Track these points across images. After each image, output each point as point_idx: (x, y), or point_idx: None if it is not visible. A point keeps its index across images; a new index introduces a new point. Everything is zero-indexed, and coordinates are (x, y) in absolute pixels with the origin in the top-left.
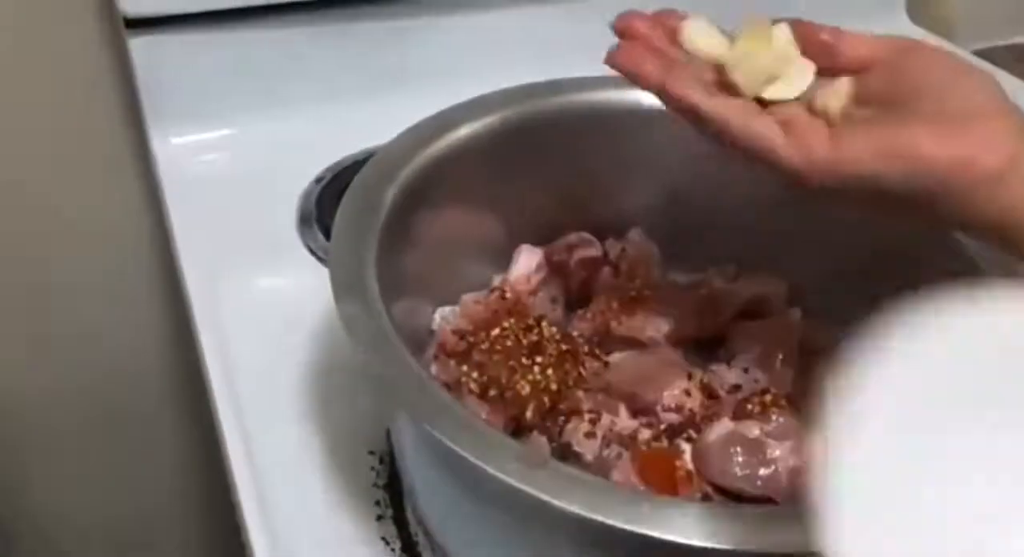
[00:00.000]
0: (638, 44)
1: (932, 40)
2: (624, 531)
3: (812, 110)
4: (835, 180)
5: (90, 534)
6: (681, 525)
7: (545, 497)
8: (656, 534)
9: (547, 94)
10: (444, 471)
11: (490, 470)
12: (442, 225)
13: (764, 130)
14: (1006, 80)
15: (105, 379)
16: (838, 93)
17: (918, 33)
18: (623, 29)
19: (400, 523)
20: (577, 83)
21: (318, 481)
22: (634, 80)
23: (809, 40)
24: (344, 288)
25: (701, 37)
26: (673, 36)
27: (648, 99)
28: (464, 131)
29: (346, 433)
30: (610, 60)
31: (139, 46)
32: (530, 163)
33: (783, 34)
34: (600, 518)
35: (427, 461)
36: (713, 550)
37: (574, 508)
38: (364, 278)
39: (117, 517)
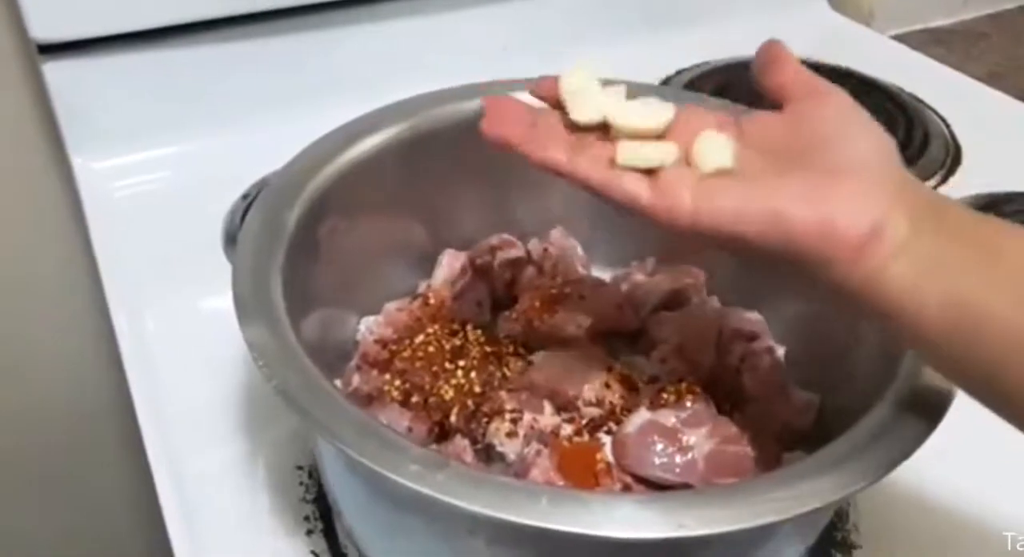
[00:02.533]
0: (504, 115)
1: (842, 90)
2: (525, 526)
3: (688, 160)
4: (699, 235)
5: None
6: (581, 516)
7: (443, 497)
8: (555, 527)
9: (457, 99)
10: (359, 481)
11: (389, 474)
12: (359, 236)
13: (629, 186)
14: (923, 63)
15: (41, 404)
16: (715, 148)
17: (838, 20)
18: (488, 107)
19: (330, 537)
20: (488, 87)
21: (247, 497)
22: (502, 148)
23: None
24: (246, 306)
25: (576, 82)
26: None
27: None
28: (373, 140)
29: (275, 449)
30: (482, 132)
31: (54, 71)
32: (446, 169)
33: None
34: (498, 515)
35: (342, 473)
36: (615, 539)
37: (472, 507)
38: (269, 294)
39: (58, 541)
